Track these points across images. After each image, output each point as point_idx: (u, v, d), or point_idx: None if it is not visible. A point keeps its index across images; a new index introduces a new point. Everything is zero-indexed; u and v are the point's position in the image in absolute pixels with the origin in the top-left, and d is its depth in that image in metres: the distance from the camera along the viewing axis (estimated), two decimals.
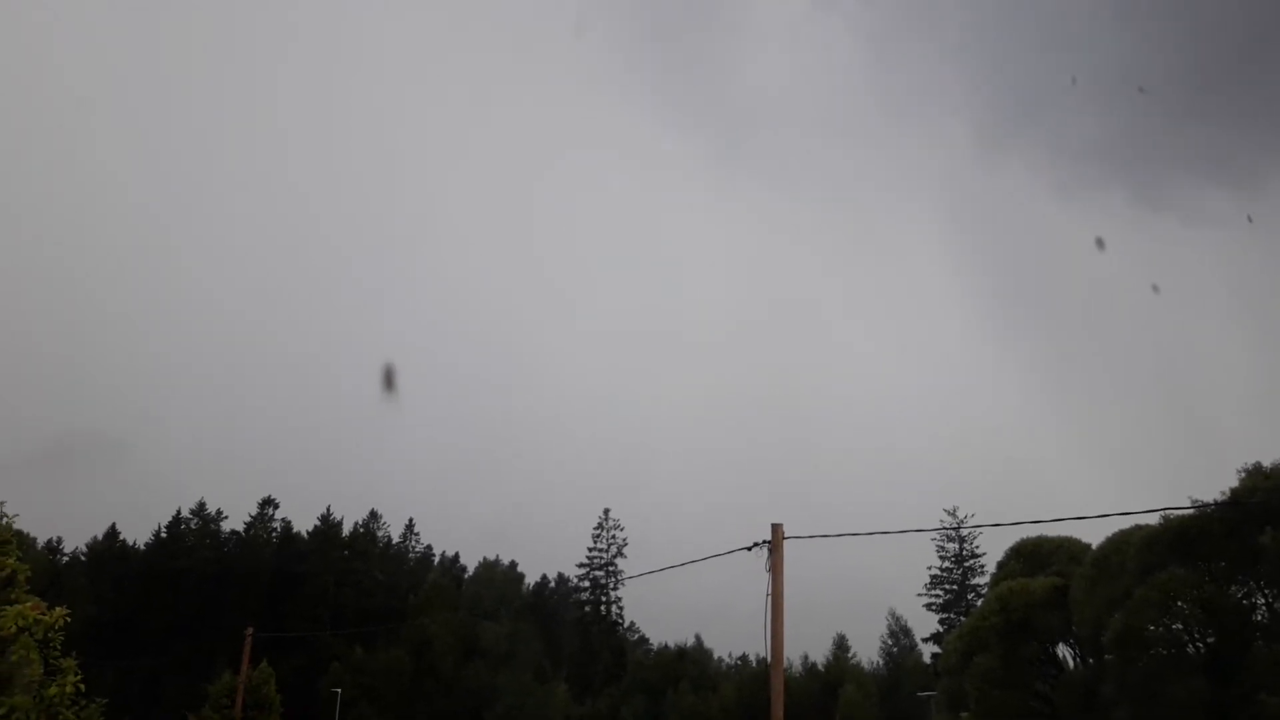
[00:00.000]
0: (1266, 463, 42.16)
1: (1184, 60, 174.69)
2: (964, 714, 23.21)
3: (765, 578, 17.48)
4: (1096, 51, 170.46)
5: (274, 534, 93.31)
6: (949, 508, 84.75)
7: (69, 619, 13.38)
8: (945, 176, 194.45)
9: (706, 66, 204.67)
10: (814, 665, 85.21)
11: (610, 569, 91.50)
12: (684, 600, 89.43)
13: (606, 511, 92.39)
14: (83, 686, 13.30)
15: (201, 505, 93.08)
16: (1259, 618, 42.64)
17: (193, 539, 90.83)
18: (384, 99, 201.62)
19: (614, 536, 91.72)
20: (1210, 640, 42.32)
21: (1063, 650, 52.73)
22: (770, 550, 17.51)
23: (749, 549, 17.88)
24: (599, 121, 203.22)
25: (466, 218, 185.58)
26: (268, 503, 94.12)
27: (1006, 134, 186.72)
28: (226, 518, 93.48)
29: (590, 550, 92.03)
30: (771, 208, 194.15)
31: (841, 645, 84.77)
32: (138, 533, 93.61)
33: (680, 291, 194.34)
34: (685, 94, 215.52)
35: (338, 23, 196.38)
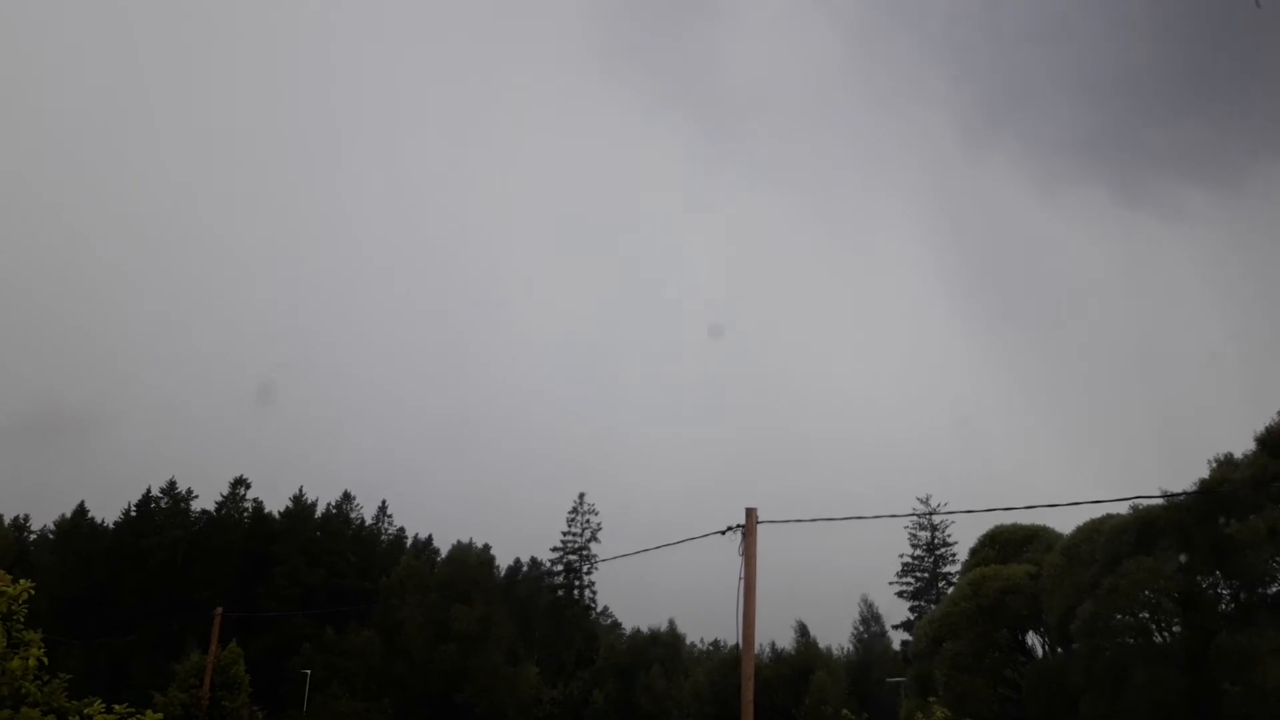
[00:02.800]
0: (1238, 453, 42.71)
1: (1167, 54, 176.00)
2: (932, 699, 23.47)
3: (739, 562, 17.44)
4: (1081, 44, 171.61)
5: (245, 514, 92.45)
6: (922, 496, 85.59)
7: (33, 592, 13.11)
8: (927, 168, 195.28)
9: (684, 56, 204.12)
10: (784, 651, 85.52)
11: (584, 553, 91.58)
12: (658, 585, 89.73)
13: (581, 496, 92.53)
14: (46, 660, 13.04)
15: (172, 484, 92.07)
16: (1225, 608, 43.17)
17: (163, 518, 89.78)
18: (366, 93, 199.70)
19: (588, 521, 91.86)
20: (1177, 630, 42.82)
21: (1032, 638, 53.23)
22: (744, 535, 17.45)
23: (723, 533, 17.80)
24: (574, 108, 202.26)
25: (436, 197, 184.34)
26: (239, 482, 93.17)
27: (989, 127, 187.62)
28: (197, 497, 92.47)
29: (564, 534, 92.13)
30: (750, 196, 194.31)
31: (803, 632, 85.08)
32: (107, 511, 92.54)
33: (656, 277, 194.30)
34: (663, 85, 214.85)
35: None
